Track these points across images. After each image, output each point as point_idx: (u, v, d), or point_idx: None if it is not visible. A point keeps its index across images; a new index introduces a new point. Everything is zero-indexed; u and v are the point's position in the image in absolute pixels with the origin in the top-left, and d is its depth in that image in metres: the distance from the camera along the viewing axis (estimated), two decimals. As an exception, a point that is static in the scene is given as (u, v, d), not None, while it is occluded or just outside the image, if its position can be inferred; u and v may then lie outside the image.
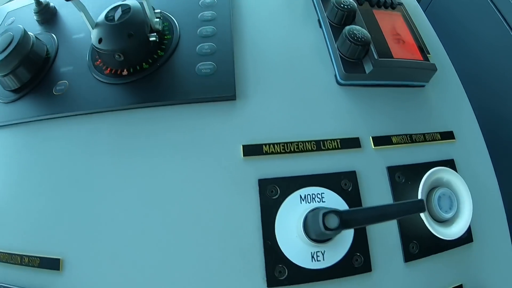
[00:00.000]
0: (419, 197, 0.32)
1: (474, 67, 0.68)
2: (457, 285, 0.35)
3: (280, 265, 0.30)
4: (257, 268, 0.30)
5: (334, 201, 0.32)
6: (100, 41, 0.31)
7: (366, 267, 0.31)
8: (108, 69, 0.33)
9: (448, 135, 0.38)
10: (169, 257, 0.30)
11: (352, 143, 0.34)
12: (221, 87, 0.34)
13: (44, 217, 0.31)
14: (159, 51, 0.34)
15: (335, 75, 0.37)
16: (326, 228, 0.26)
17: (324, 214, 0.26)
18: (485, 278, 0.36)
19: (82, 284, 0.30)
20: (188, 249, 0.30)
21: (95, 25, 0.33)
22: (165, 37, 0.36)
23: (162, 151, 0.32)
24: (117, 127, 0.33)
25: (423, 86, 0.40)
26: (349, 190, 0.33)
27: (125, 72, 0.33)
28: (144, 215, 0.31)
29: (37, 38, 0.35)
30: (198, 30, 0.37)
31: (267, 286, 0.29)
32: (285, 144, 0.33)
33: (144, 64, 0.34)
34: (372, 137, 0.35)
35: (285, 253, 0.30)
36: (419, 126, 0.37)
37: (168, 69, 0.34)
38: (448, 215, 0.33)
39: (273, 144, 0.33)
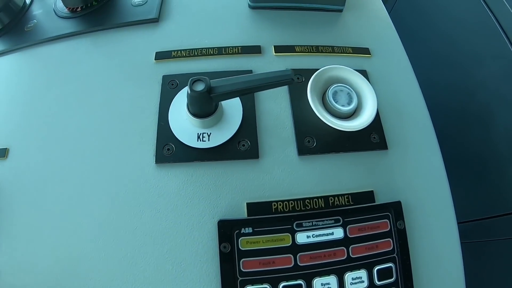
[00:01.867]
0: (308, 93, 0.33)
1: (445, 45, 0.67)
2: (367, 190, 0.33)
3: (169, 143, 0.33)
4: (150, 146, 0.34)
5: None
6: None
7: (253, 153, 0.33)
8: (68, 7, 0.44)
9: (362, 51, 0.40)
10: (86, 130, 0.36)
11: (253, 49, 0.38)
12: (148, 13, 0.41)
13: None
14: (106, -8, 0.44)
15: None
16: (192, 91, 0.29)
17: (193, 80, 0.30)
18: (399, 187, 0.34)
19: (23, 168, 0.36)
20: (100, 125, 0.35)
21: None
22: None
23: (100, 59, 0.40)
24: (69, 48, 0.42)
25: (340, 11, 0.42)
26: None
27: (79, 9, 0.43)
28: (75, 109, 0.37)
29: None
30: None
31: (155, 162, 0.33)
32: (190, 50, 0.38)
33: (94, 1, 0.43)
34: (274, 46, 0.38)
35: (174, 133, 0.33)
36: (330, 42, 0.40)
37: (111, 4, 0.43)
38: (345, 108, 0.33)
39: (180, 50, 0.38)
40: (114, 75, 0.38)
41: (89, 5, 0.43)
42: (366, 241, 0.32)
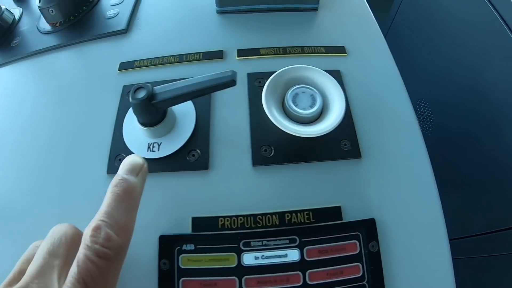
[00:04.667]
0: (263, 96, 0.32)
1: (453, 46, 0.63)
2: (333, 205, 0.31)
3: (121, 154, 0.34)
4: (105, 156, 0.35)
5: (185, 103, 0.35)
6: (39, 1, 0.47)
7: (202, 163, 0.32)
8: (49, 23, 0.48)
9: (337, 50, 0.38)
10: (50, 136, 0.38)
11: (214, 55, 0.38)
12: (118, 25, 0.44)
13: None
14: (84, 7, 0.48)
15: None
16: (133, 98, 0.30)
17: (135, 88, 0.31)
18: (374, 203, 0.31)
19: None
20: (63, 137, 0.37)
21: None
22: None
23: (72, 71, 0.42)
24: (47, 62, 0.46)
25: (315, 9, 0.41)
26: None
27: (58, 24, 0.47)
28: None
29: (7, 9, 0.52)
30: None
31: (107, 172, 0.33)
32: (152, 60, 0.39)
33: (71, 17, 0.47)
34: (238, 50, 0.38)
35: (126, 143, 0.34)
36: (301, 42, 0.38)
37: (87, 18, 0.47)
38: (305, 112, 0.31)
39: (143, 60, 0.39)
40: (82, 87, 0.40)
41: (67, 20, 0.47)
42: (327, 265, 0.29)
